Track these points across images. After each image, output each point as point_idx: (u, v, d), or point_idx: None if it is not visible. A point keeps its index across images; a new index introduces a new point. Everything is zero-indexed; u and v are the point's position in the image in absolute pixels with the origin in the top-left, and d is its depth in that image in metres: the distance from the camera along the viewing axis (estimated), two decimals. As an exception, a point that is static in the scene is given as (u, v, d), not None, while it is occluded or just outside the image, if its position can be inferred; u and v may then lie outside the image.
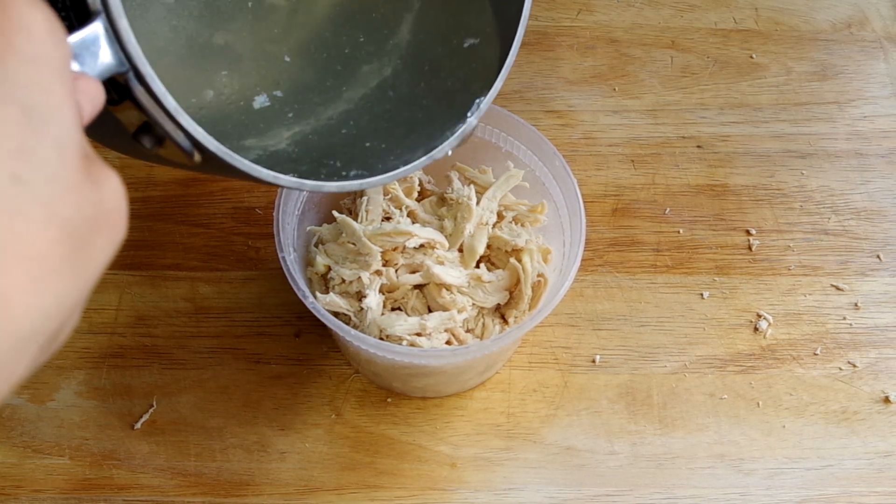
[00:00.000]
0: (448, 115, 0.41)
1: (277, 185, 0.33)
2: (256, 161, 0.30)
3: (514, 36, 0.41)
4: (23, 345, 0.21)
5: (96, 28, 0.25)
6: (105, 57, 0.26)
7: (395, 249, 0.51)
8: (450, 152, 0.41)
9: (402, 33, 0.42)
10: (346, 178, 0.37)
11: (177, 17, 0.39)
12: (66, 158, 0.23)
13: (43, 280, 0.21)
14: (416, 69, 0.42)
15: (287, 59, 0.41)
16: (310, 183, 0.34)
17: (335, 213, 0.52)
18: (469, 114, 0.41)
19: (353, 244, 0.51)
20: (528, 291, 0.50)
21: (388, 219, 0.52)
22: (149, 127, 0.28)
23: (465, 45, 0.42)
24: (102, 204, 0.24)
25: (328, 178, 0.36)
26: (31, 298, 0.21)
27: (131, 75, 0.26)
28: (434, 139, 0.40)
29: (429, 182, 0.55)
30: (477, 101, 0.41)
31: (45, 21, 0.23)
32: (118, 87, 0.27)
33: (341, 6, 0.42)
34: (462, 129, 0.40)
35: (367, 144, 0.40)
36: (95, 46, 0.25)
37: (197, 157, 0.29)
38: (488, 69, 0.42)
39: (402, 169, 0.39)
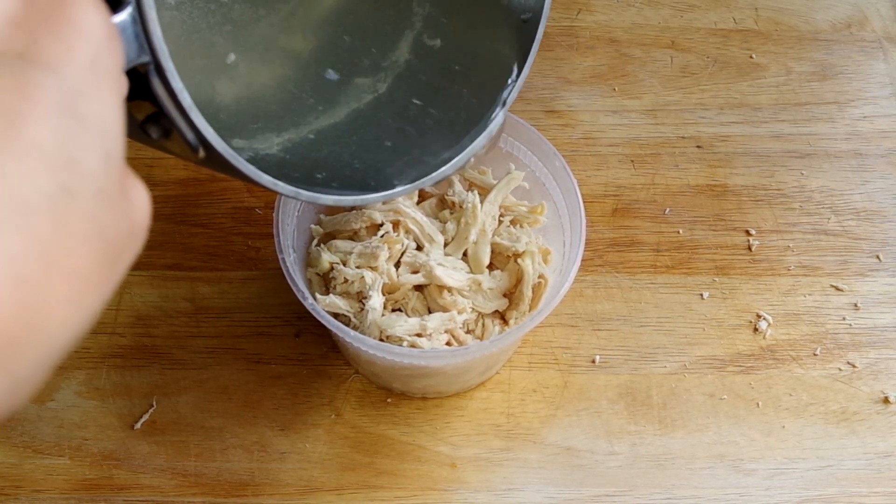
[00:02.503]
0: (443, 141, 0.41)
1: (275, 192, 0.33)
2: (248, 162, 0.30)
3: (522, 69, 0.41)
4: (52, 356, 0.21)
5: (125, 17, 0.25)
6: (130, 48, 0.26)
7: (395, 228, 0.51)
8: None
9: (402, 51, 0.42)
10: (342, 192, 0.37)
11: (178, 9, 0.39)
12: (111, 171, 0.22)
13: (81, 294, 0.21)
14: (412, 89, 0.42)
15: (280, 62, 0.41)
16: (306, 193, 0.34)
17: (322, 219, 0.52)
18: (467, 146, 0.40)
19: (357, 231, 0.51)
20: (528, 293, 0.50)
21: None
22: (157, 118, 0.28)
23: (468, 71, 0.42)
24: (133, 218, 0.23)
25: (323, 189, 0.36)
26: (68, 312, 0.21)
27: (151, 68, 0.26)
28: (427, 164, 0.40)
29: (429, 183, 0.55)
30: (472, 139, 0.41)
31: (105, 25, 0.23)
32: (134, 77, 0.27)
33: (340, 14, 0.42)
34: (457, 161, 0.40)
35: (360, 159, 0.40)
36: (123, 36, 0.25)
37: (202, 153, 0.29)
38: (487, 101, 0.41)
39: (395, 190, 0.38)
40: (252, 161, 0.31)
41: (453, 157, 0.40)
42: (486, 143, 0.41)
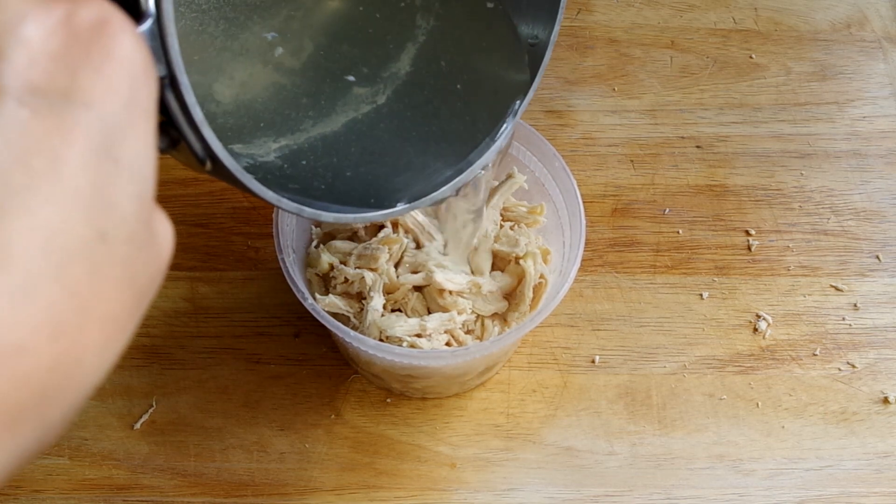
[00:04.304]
0: (444, 158, 0.40)
1: (279, 208, 0.33)
2: (247, 170, 0.30)
3: (527, 92, 0.41)
4: (80, 401, 0.21)
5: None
6: None
7: (395, 228, 0.51)
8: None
9: (402, 63, 0.42)
10: (343, 208, 0.36)
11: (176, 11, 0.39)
12: (142, 214, 0.22)
13: (112, 340, 0.21)
14: (412, 103, 0.41)
15: (276, 66, 0.40)
16: (309, 210, 0.34)
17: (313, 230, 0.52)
18: (467, 167, 0.40)
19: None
20: (529, 293, 0.50)
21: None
22: (166, 128, 0.28)
23: (471, 89, 0.41)
24: (160, 256, 0.23)
25: (324, 204, 0.36)
26: (99, 358, 0.21)
27: (166, 82, 0.26)
28: (429, 181, 0.40)
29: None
30: (478, 161, 0.40)
31: (143, 58, 0.22)
32: None
33: (340, 21, 0.42)
34: (456, 182, 0.40)
35: (360, 172, 0.39)
36: None
37: (209, 165, 0.29)
38: (488, 122, 0.41)
39: (396, 209, 0.38)
40: (251, 168, 0.31)
41: (454, 177, 0.40)
42: (485, 165, 0.41)
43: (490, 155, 0.41)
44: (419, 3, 0.42)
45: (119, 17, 0.22)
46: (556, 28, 0.40)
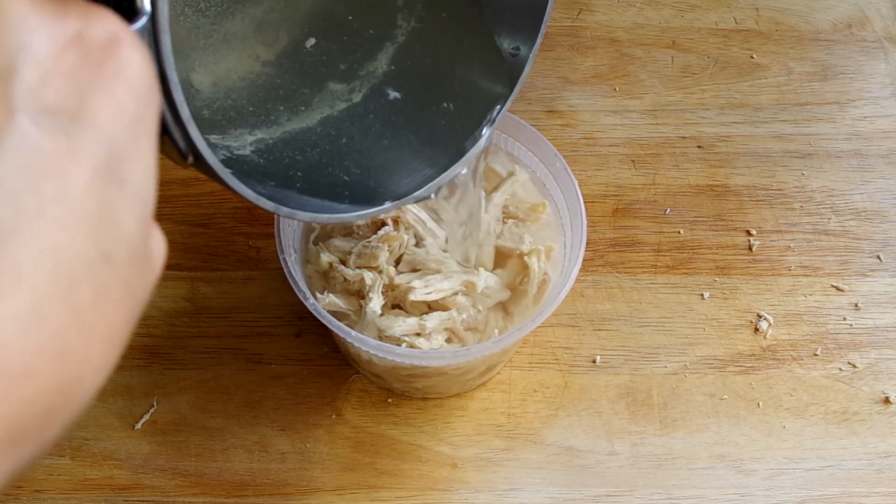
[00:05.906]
0: (421, 159, 0.40)
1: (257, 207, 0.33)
2: (224, 162, 0.31)
3: (506, 99, 0.41)
4: (75, 416, 0.21)
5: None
6: None
7: (395, 224, 0.51)
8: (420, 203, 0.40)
9: (380, 62, 0.41)
10: (321, 206, 0.36)
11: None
12: (142, 233, 0.22)
13: (109, 357, 0.21)
14: (388, 103, 0.41)
15: (254, 58, 0.40)
16: (285, 209, 0.34)
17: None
18: (445, 169, 0.40)
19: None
20: (533, 290, 0.50)
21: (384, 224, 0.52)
22: None
23: (449, 92, 0.41)
24: (154, 271, 0.23)
25: (301, 202, 0.35)
26: (97, 375, 0.21)
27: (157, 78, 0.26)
28: (403, 182, 0.39)
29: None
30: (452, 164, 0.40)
31: (150, 77, 0.22)
32: None
33: (319, 16, 0.41)
34: (434, 184, 0.39)
35: (336, 170, 0.39)
36: None
37: (190, 160, 0.29)
38: (467, 125, 0.41)
39: (372, 209, 0.38)
40: (228, 162, 0.31)
41: (433, 178, 0.40)
42: (464, 167, 0.41)
43: (469, 156, 0.41)
44: (401, 3, 0.42)
45: (129, 35, 0.22)
46: (538, 42, 0.40)
